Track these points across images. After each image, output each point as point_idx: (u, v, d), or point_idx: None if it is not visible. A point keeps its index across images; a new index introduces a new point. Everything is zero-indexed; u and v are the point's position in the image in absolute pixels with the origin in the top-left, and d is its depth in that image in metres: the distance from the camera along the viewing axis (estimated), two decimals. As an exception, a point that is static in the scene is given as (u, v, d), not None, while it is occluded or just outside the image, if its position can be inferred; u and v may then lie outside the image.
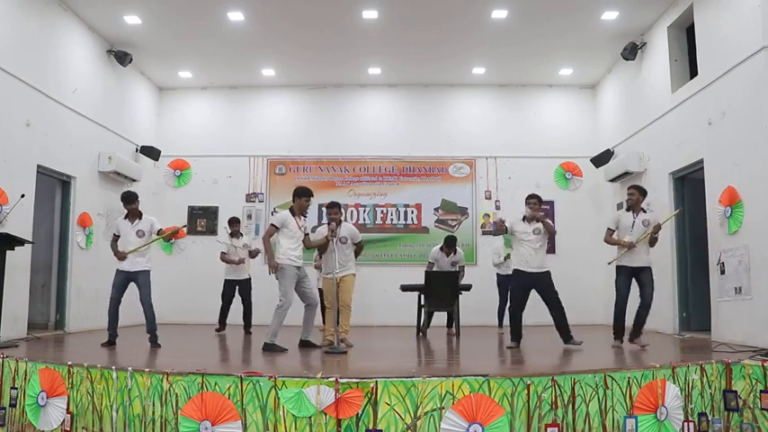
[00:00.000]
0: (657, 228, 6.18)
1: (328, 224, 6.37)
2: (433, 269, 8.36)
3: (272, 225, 6.05)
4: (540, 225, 6.38)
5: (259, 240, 8.70)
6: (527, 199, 6.49)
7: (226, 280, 8.49)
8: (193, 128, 11.06)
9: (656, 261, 6.56)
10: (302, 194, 6.13)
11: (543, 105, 11.00)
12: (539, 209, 6.42)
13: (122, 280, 6.38)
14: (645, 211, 6.38)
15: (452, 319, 8.29)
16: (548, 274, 6.37)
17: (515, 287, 6.56)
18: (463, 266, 8.51)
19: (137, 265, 6.36)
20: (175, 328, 9.16)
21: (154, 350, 6.01)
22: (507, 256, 8.74)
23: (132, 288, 6.46)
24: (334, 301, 6.23)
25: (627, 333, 6.34)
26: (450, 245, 8.32)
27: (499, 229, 6.63)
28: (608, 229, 6.47)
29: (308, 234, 6.28)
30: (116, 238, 6.47)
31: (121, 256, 6.32)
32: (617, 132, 9.92)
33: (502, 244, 8.97)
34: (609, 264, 6.61)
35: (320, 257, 7.21)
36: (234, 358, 5.91)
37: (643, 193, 6.43)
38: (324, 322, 6.93)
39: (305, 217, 6.26)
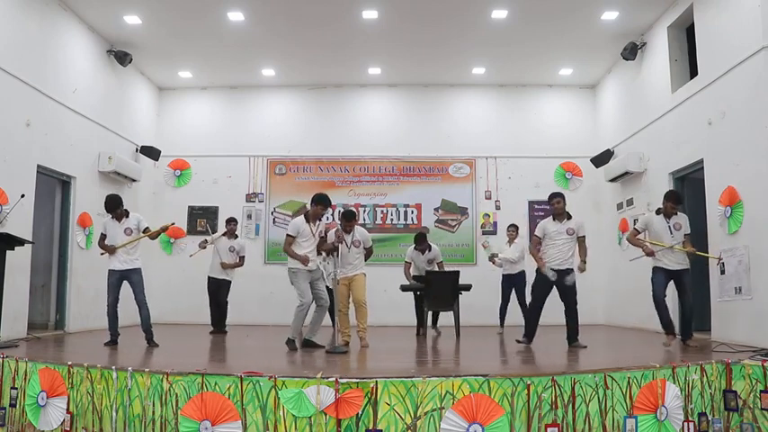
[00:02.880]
0: (692, 252, 6.21)
1: (336, 231, 6.42)
2: (411, 269, 8.34)
3: (289, 236, 6.10)
4: (573, 225, 6.36)
5: (250, 246, 8.83)
6: (550, 198, 6.46)
7: (209, 277, 8.51)
8: (193, 128, 11.06)
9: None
10: (320, 202, 6.16)
11: (543, 105, 11.00)
12: (564, 207, 6.41)
13: (116, 280, 6.41)
14: (676, 214, 6.33)
15: (437, 318, 8.36)
16: (571, 271, 6.33)
17: (537, 284, 6.48)
18: (441, 262, 8.36)
19: (129, 264, 6.40)
20: (175, 328, 9.15)
21: (154, 350, 6.02)
22: (493, 258, 8.82)
23: (127, 288, 6.47)
24: (345, 302, 6.37)
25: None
26: (419, 242, 8.23)
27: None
28: (634, 228, 6.49)
29: (323, 237, 6.34)
30: (104, 237, 6.49)
31: (111, 250, 6.36)
32: (617, 132, 9.92)
33: (503, 244, 9.03)
34: (631, 261, 6.60)
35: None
36: (234, 358, 5.91)
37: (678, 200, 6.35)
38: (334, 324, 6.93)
39: (320, 221, 6.27)
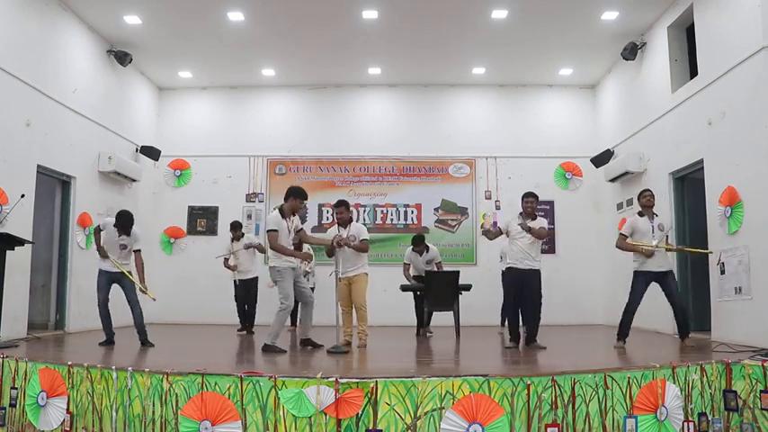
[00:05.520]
0: (681, 250, 6.32)
1: (336, 237, 6.29)
2: (410, 270, 8.37)
3: (272, 231, 5.88)
4: (535, 224, 6.36)
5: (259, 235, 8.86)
6: (523, 197, 6.51)
7: (234, 282, 8.60)
8: (193, 128, 11.06)
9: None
10: (297, 195, 6.04)
11: (543, 105, 10.99)
12: (534, 208, 6.45)
13: (106, 281, 6.42)
14: (656, 215, 6.40)
15: (429, 318, 8.26)
16: (537, 272, 6.34)
17: (508, 284, 6.54)
18: (440, 263, 8.41)
19: (119, 267, 6.40)
20: (175, 328, 9.16)
21: (153, 350, 6.02)
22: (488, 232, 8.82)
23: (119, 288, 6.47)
24: (345, 302, 6.31)
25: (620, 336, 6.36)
26: (417, 243, 8.27)
27: (493, 235, 6.65)
28: (621, 234, 6.46)
29: (301, 229, 6.23)
30: (99, 232, 6.47)
31: (103, 254, 6.38)
32: (617, 132, 9.91)
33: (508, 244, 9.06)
34: (635, 271, 6.55)
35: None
36: (234, 358, 5.91)
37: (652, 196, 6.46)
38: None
39: (294, 215, 6.14)
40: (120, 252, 6.43)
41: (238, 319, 8.61)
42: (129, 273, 6.47)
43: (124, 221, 6.39)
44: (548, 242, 9.87)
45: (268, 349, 5.78)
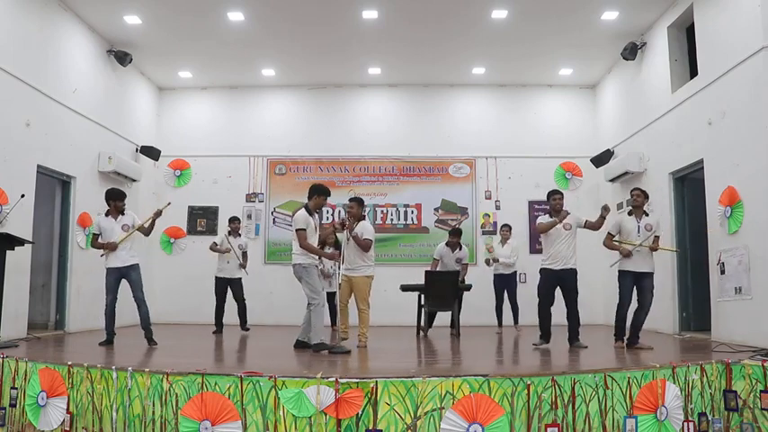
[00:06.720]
0: (655, 248, 6.22)
1: (341, 219, 6.43)
2: (437, 267, 8.37)
3: (301, 230, 5.87)
4: (569, 220, 6.38)
5: (250, 246, 9.01)
6: (550, 194, 6.52)
7: (216, 278, 8.60)
8: (193, 128, 11.06)
9: (657, 261, 6.55)
10: (321, 193, 6.13)
11: (543, 105, 10.99)
12: (562, 204, 6.46)
13: (116, 279, 6.42)
14: (647, 215, 6.39)
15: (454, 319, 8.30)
16: (574, 272, 6.35)
17: (542, 285, 6.46)
18: (467, 264, 8.59)
19: (128, 260, 6.42)
20: (175, 328, 9.16)
21: (153, 350, 6.02)
22: (491, 261, 8.84)
23: (125, 287, 6.46)
24: (345, 298, 6.32)
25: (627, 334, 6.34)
26: (455, 235, 8.40)
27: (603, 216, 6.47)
28: (608, 233, 6.46)
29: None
30: (96, 237, 6.51)
31: (112, 246, 6.34)
32: (617, 132, 9.92)
33: (495, 243, 9.21)
34: (610, 266, 6.63)
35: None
36: (234, 358, 5.91)
37: (646, 195, 6.47)
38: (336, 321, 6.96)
39: (318, 213, 6.30)
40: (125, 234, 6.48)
41: (214, 320, 8.58)
42: (141, 226, 6.58)
43: (116, 194, 6.50)
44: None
45: (320, 348, 5.80)
